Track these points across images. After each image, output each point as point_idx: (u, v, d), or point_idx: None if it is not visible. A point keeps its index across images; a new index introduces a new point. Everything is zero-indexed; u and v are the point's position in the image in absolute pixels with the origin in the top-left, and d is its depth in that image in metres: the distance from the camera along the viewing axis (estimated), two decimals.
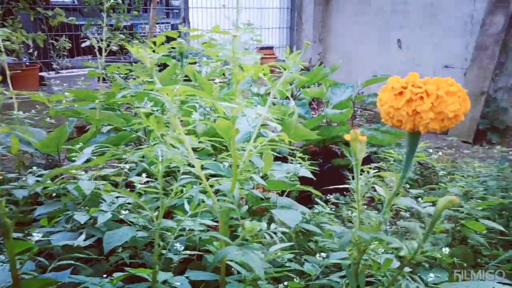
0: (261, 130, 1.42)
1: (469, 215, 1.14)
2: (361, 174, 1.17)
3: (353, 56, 4.43)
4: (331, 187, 1.23)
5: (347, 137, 0.60)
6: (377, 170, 0.98)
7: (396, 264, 0.76)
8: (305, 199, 1.63)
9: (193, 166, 0.84)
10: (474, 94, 3.30)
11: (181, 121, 1.41)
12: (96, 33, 3.23)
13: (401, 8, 4.01)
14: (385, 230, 0.93)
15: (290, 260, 0.96)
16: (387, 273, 0.74)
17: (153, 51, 0.74)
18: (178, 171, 0.83)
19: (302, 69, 4.59)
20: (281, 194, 1.36)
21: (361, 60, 4.37)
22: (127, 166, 1.16)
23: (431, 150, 2.45)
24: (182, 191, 0.80)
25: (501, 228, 1.10)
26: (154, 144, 0.87)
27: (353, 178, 1.15)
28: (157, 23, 4.07)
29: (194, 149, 1.55)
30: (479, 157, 2.27)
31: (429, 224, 0.61)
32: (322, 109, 2.53)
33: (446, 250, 0.84)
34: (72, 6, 4.09)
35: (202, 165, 1.30)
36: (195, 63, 1.82)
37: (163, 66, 1.92)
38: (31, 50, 3.53)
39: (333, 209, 1.49)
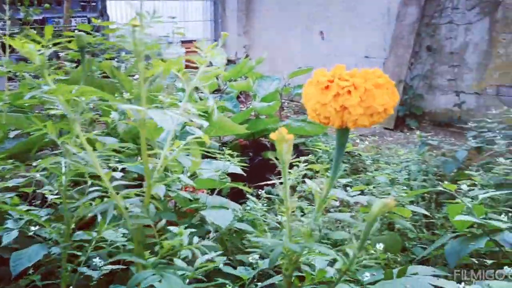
0: (187, 127, 1.36)
1: (397, 202, 1.16)
2: (291, 168, 1.16)
3: (278, 48, 4.46)
4: (262, 183, 1.20)
5: (272, 136, 0.56)
6: (306, 164, 0.96)
7: (331, 272, 0.74)
8: (237, 195, 1.59)
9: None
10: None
11: (99, 121, 1.31)
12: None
13: (322, 0, 4.09)
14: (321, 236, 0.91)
15: (224, 264, 0.92)
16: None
17: (43, 46, 0.65)
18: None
19: (228, 62, 4.55)
20: (212, 192, 1.31)
21: (286, 52, 4.41)
22: (38, 175, 1.04)
23: (358, 140, 2.53)
24: (91, 204, 0.72)
25: (425, 212, 1.14)
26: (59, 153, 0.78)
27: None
28: (72, 17, 3.81)
29: (117, 151, 1.45)
30: (401, 143, 2.37)
31: (364, 232, 0.59)
32: (250, 102, 2.51)
33: (380, 246, 0.84)
34: None
35: (124, 168, 1.21)
36: (113, 58, 1.71)
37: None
38: None
39: (265, 204, 1.48)
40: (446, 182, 1.86)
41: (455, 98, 3.28)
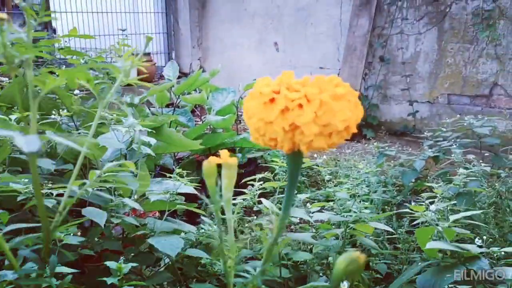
0: (134, 145, 1.26)
1: (357, 221, 1.11)
2: (245, 188, 1.08)
3: (233, 60, 4.40)
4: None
5: (204, 168, 0.46)
6: (261, 183, 0.88)
7: None
8: (195, 214, 1.49)
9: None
10: None
11: None
12: None
13: (275, 12, 4.08)
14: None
15: None
16: None
17: None
18: None
19: (181, 75, 4.44)
20: (161, 215, 1.21)
21: (242, 64, 4.36)
22: None
23: (315, 155, 2.49)
24: None
25: (388, 228, 1.09)
26: None
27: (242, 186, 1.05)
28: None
29: (59, 172, 1.31)
30: (359, 153, 2.35)
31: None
32: (205, 116, 2.42)
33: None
34: None
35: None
36: (52, 72, 1.57)
37: None
38: None
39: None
40: (408, 195, 1.84)
41: (409, 107, 3.33)
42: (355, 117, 0.40)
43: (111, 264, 0.78)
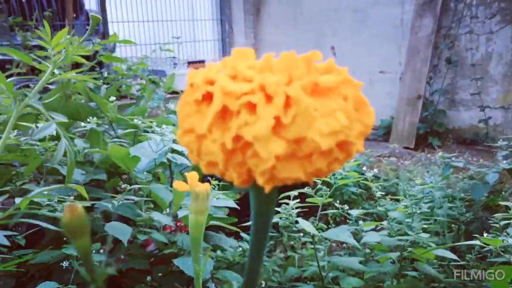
0: (169, 155, 1.18)
1: (415, 243, 0.95)
2: (278, 207, 0.96)
3: None
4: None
5: (66, 219, 0.33)
6: (298, 201, 0.76)
7: None
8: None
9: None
10: (411, 98, 3.24)
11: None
12: None
13: (332, 15, 3.93)
14: None
15: None
16: None
17: None
18: None
19: None
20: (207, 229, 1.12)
21: None
22: None
23: (372, 159, 2.31)
24: None
25: (453, 256, 0.92)
26: None
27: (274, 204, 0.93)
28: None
29: (96, 182, 1.26)
30: (423, 164, 2.15)
31: None
32: None
33: None
34: None
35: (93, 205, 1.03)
36: (96, 78, 1.55)
37: None
38: None
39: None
40: (479, 211, 1.63)
41: (480, 113, 3.04)
42: (359, 126, 0.23)
43: None
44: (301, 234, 1.15)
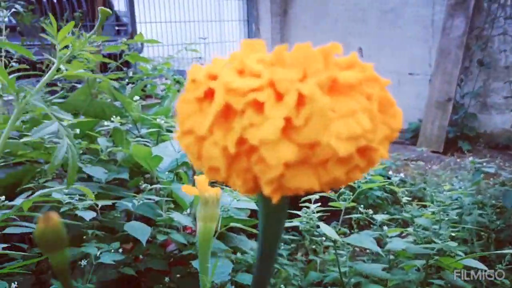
0: None
1: (442, 251, 0.91)
2: (299, 209, 0.93)
3: None
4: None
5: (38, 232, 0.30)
6: (319, 204, 0.74)
7: None
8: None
9: None
10: (440, 101, 3.15)
11: (88, 149, 1.15)
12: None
13: (359, 15, 3.87)
14: None
15: None
16: None
17: None
18: None
19: None
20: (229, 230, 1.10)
21: None
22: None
23: (399, 163, 2.25)
24: None
25: (483, 267, 0.88)
26: None
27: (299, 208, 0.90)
28: (106, 41, 3.79)
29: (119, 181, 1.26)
30: (452, 168, 2.08)
31: None
32: None
33: None
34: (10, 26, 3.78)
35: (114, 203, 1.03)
36: (121, 78, 1.57)
37: None
38: None
39: (289, 244, 1.25)
40: (510, 219, 1.56)
41: None
42: (384, 130, 0.21)
43: None
44: (323, 238, 1.13)
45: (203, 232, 0.33)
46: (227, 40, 4.65)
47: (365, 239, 0.84)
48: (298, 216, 0.88)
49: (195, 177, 0.34)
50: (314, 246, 1.27)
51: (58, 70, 0.72)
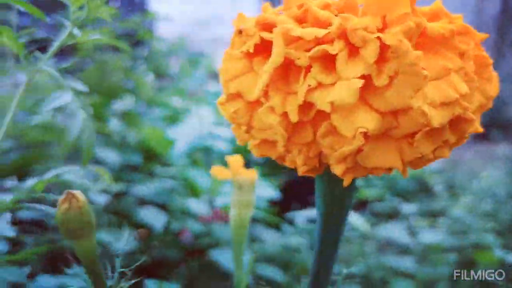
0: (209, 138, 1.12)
1: (476, 244, 0.85)
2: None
3: None
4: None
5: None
6: None
7: None
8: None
9: None
10: None
11: (99, 131, 1.11)
12: None
13: None
14: None
15: None
16: None
17: None
18: None
19: None
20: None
21: None
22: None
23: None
24: None
25: None
26: None
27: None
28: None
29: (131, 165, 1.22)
30: (483, 157, 1.99)
31: None
32: None
33: None
34: None
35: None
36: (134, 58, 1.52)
37: None
38: None
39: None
40: None
41: None
42: (479, 97, 0.18)
43: (151, 283, 0.64)
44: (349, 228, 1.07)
45: (238, 221, 0.28)
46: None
47: (393, 230, 0.78)
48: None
49: (226, 157, 0.28)
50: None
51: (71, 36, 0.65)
